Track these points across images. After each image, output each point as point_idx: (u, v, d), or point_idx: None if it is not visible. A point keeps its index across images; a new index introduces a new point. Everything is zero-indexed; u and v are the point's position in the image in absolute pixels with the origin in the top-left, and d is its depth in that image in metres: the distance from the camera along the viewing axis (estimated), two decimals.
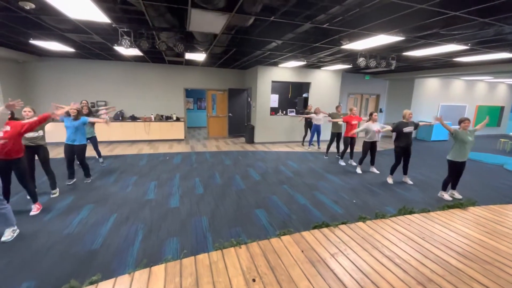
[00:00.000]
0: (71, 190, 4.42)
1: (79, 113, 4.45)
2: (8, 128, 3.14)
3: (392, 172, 5.29)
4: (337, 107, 7.31)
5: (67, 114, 4.38)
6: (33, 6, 3.31)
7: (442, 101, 11.48)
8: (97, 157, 6.12)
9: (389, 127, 5.29)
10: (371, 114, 5.76)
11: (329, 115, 7.22)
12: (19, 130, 3.19)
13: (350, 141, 6.51)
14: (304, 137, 9.00)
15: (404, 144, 5.05)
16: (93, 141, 5.89)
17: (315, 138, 8.59)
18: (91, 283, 2.23)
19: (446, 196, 4.49)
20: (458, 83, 11.61)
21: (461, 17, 3.28)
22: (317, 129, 8.27)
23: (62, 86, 8.27)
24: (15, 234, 2.95)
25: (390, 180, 5.28)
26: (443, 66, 7.79)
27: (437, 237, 3.20)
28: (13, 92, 7.37)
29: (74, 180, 4.77)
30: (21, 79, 7.78)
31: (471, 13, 3.13)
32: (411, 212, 3.84)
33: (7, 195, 3.36)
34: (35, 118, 3.31)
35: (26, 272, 2.40)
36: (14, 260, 2.55)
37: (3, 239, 2.84)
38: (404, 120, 5.04)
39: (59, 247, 2.79)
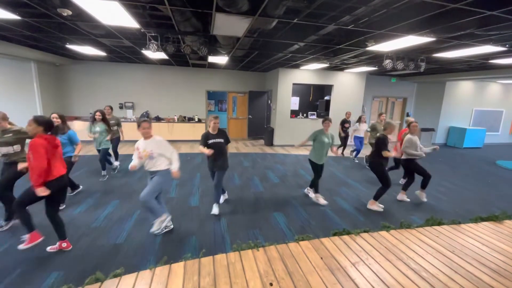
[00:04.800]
0: (99, 186, 4.66)
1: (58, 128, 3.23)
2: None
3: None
4: (380, 115, 6.15)
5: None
6: (70, 12, 3.55)
7: (476, 105, 10.75)
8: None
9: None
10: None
11: (370, 127, 6.22)
12: None
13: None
14: (339, 147, 7.59)
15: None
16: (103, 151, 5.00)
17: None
18: (115, 276, 2.33)
19: (321, 200, 4.21)
20: (494, 87, 10.81)
21: (499, 17, 3.05)
22: (360, 142, 6.98)
23: (93, 88, 8.81)
24: None
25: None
26: (478, 68, 7.28)
27: (469, 251, 2.98)
28: (50, 93, 7.97)
29: None
30: (57, 81, 8.38)
31: (509, 12, 2.90)
32: (439, 223, 3.61)
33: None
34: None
35: (55, 262, 2.56)
36: (45, 250, 2.72)
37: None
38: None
39: (87, 240, 2.95)
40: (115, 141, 5.61)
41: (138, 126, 2.92)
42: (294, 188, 4.94)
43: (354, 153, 7.29)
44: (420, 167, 4.30)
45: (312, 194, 4.40)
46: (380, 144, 3.91)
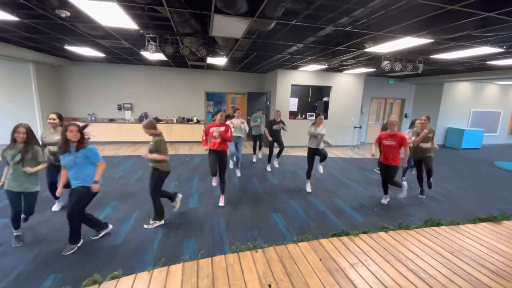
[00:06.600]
0: None
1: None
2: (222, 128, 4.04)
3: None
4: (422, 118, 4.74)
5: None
6: (68, 14, 3.54)
7: (474, 106, 10.78)
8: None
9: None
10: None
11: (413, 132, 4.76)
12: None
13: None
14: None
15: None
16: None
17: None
18: (113, 278, 2.31)
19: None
20: (492, 88, 10.85)
21: (496, 18, 3.07)
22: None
23: (92, 89, 8.79)
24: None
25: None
26: (476, 69, 7.32)
27: (467, 252, 2.99)
28: (48, 94, 7.95)
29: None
30: (55, 82, 8.36)
31: (506, 13, 2.92)
32: (438, 224, 3.61)
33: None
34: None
35: (53, 264, 2.54)
36: (43, 252, 2.72)
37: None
38: None
39: (85, 241, 2.93)
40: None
41: (234, 111, 5.31)
42: (293, 189, 4.93)
43: (408, 171, 5.58)
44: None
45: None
46: None
